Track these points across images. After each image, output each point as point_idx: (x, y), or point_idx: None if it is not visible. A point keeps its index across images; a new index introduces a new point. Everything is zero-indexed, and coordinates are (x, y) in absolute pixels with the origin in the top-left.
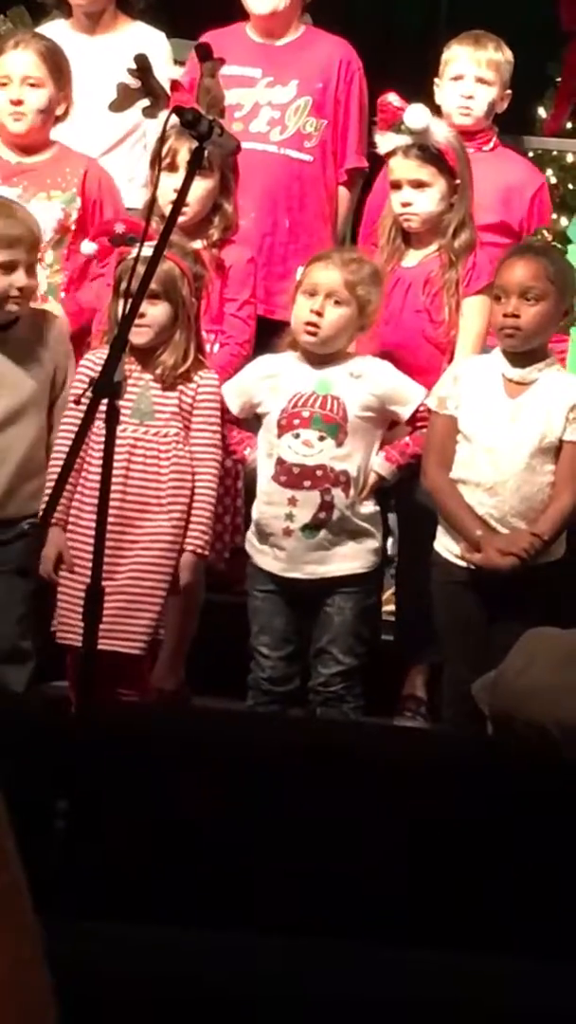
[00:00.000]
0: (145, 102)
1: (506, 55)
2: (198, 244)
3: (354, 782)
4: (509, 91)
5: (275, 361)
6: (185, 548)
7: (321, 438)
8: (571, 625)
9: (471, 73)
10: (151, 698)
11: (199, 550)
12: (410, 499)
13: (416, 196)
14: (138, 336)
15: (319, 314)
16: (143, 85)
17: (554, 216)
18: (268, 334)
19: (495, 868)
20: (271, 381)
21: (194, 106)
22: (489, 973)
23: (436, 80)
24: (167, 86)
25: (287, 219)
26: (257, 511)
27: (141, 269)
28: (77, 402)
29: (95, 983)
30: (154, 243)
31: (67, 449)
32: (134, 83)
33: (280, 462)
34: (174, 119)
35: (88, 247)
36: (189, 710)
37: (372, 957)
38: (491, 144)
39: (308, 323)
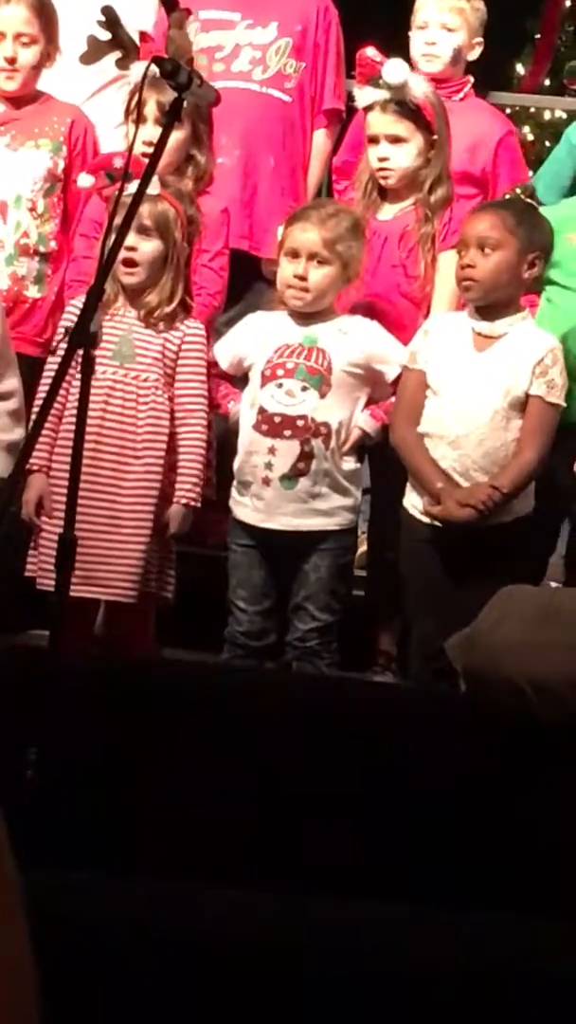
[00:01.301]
0: (117, 54)
1: (473, 2)
2: None
3: (326, 735)
4: (480, 39)
5: (266, 318)
6: (177, 501)
7: (304, 388)
8: (536, 582)
9: (435, 20)
10: (152, 655)
11: (191, 502)
12: (383, 455)
13: (393, 151)
14: (129, 277)
15: (303, 278)
16: (112, 38)
17: (531, 173)
18: (254, 269)
19: (467, 823)
20: (261, 336)
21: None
22: (463, 928)
23: (410, 32)
24: (153, 33)
25: (271, 157)
26: (238, 461)
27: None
28: (54, 351)
29: (61, 929)
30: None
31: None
32: (104, 35)
33: (261, 411)
34: (154, 69)
35: (85, 180)
36: (161, 662)
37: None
38: (462, 94)
39: (293, 287)
